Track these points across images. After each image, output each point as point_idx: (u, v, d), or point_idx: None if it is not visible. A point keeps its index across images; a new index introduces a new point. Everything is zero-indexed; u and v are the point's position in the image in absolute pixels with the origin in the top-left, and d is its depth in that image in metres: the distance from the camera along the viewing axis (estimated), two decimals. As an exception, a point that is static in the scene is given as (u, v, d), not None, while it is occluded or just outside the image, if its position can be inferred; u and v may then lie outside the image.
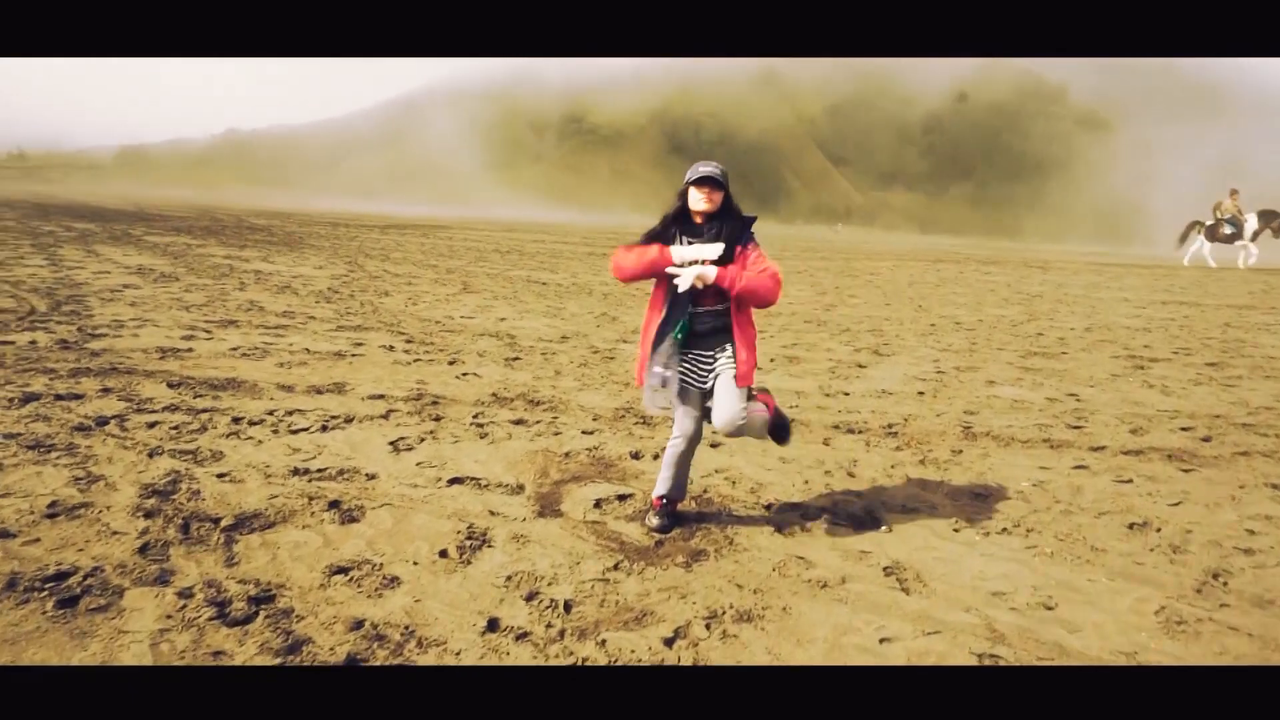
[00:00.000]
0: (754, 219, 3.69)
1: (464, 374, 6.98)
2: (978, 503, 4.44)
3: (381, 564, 3.39)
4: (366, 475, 4.43)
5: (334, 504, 3.97)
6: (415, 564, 3.42)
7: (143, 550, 3.36)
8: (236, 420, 5.24)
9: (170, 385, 5.99)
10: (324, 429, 5.19)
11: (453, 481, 4.41)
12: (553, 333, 9.44)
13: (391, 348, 7.97)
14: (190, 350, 7.25)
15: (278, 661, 2.63)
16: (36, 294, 9.97)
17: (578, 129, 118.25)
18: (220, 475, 4.28)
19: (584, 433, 5.44)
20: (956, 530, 4.03)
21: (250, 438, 4.93)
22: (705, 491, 4.43)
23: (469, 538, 3.68)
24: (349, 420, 5.40)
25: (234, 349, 7.43)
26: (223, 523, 3.68)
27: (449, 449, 4.96)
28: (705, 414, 3.74)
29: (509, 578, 3.34)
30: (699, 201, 3.49)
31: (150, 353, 7.04)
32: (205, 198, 61.89)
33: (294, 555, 3.42)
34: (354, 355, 7.53)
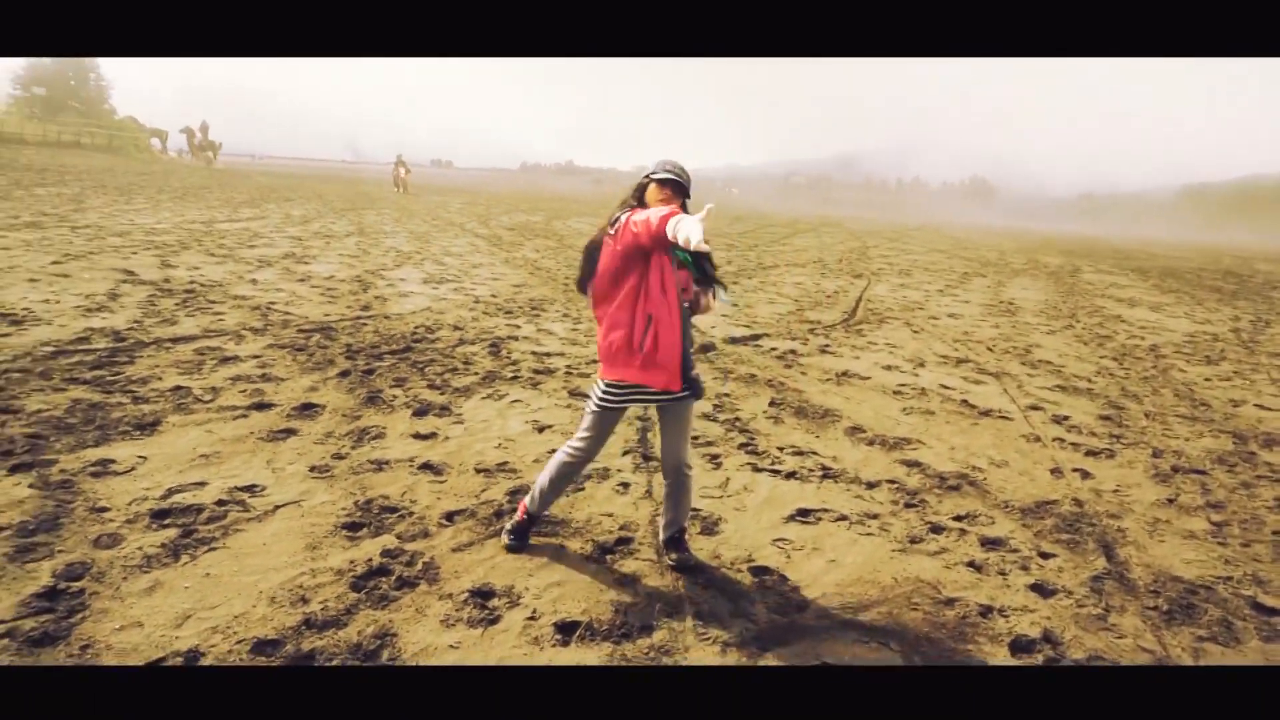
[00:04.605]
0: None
1: (1055, 471, 5.19)
2: None
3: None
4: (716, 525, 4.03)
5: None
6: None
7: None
8: (712, 446, 5.29)
9: (771, 403, 6.34)
10: (764, 471, 4.80)
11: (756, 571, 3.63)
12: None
13: (1037, 408, 6.43)
14: (861, 376, 7.38)
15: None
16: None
17: None
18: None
19: (1041, 592, 3.57)
20: None
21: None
22: None
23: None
24: (798, 475, 4.83)
25: (899, 383, 7.22)
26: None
27: (833, 536, 4.01)
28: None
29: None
30: (658, 204, 3.12)
31: (827, 373, 7.47)
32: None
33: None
34: (941, 404, 6.40)
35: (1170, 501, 4.68)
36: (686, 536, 3.58)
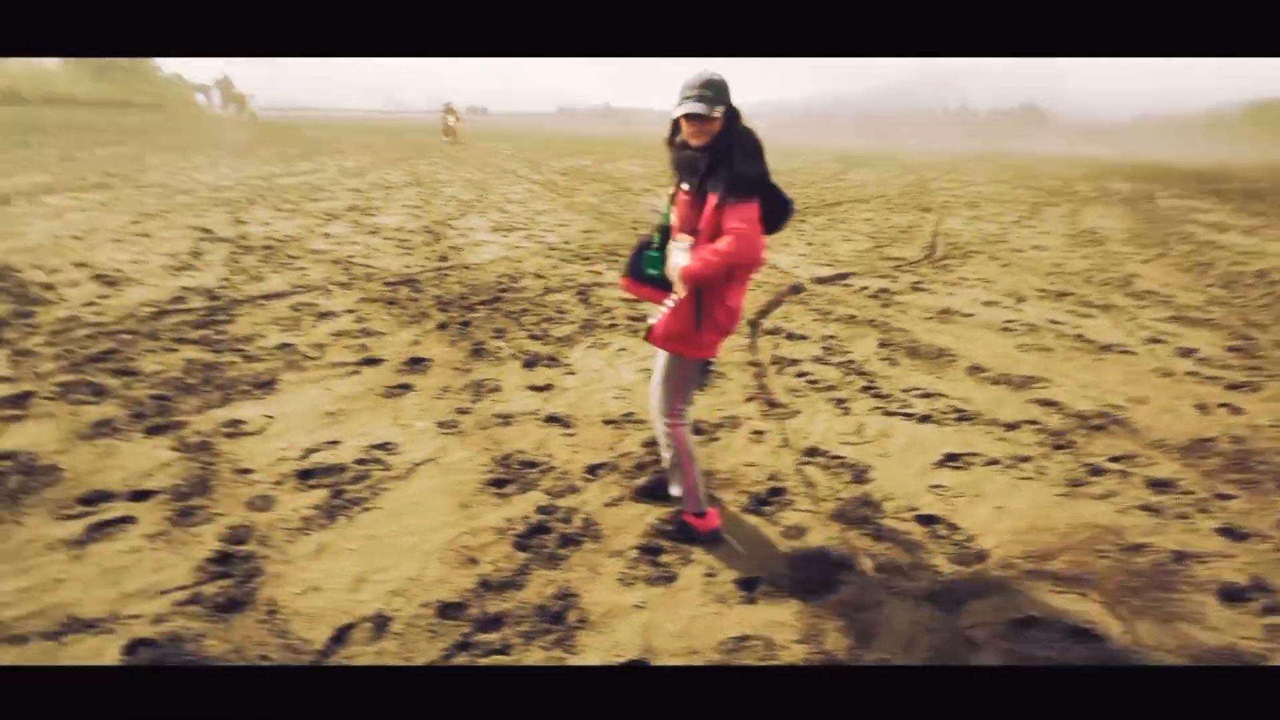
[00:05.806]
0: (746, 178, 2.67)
1: (1200, 406, 4.91)
2: None
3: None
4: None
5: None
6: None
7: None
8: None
9: (881, 344, 6.11)
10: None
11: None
12: None
13: (1158, 340, 6.10)
14: (963, 313, 7.10)
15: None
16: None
17: None
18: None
19: (1232, 536, 3.34)
20: None
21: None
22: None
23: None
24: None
25: (1005, 320, 6.93)
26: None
27: (990, 481, 3.81)
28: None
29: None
30: (689, 135, 2.75)
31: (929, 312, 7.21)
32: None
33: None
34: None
35: (1343, 437, 4.39)
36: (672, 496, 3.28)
